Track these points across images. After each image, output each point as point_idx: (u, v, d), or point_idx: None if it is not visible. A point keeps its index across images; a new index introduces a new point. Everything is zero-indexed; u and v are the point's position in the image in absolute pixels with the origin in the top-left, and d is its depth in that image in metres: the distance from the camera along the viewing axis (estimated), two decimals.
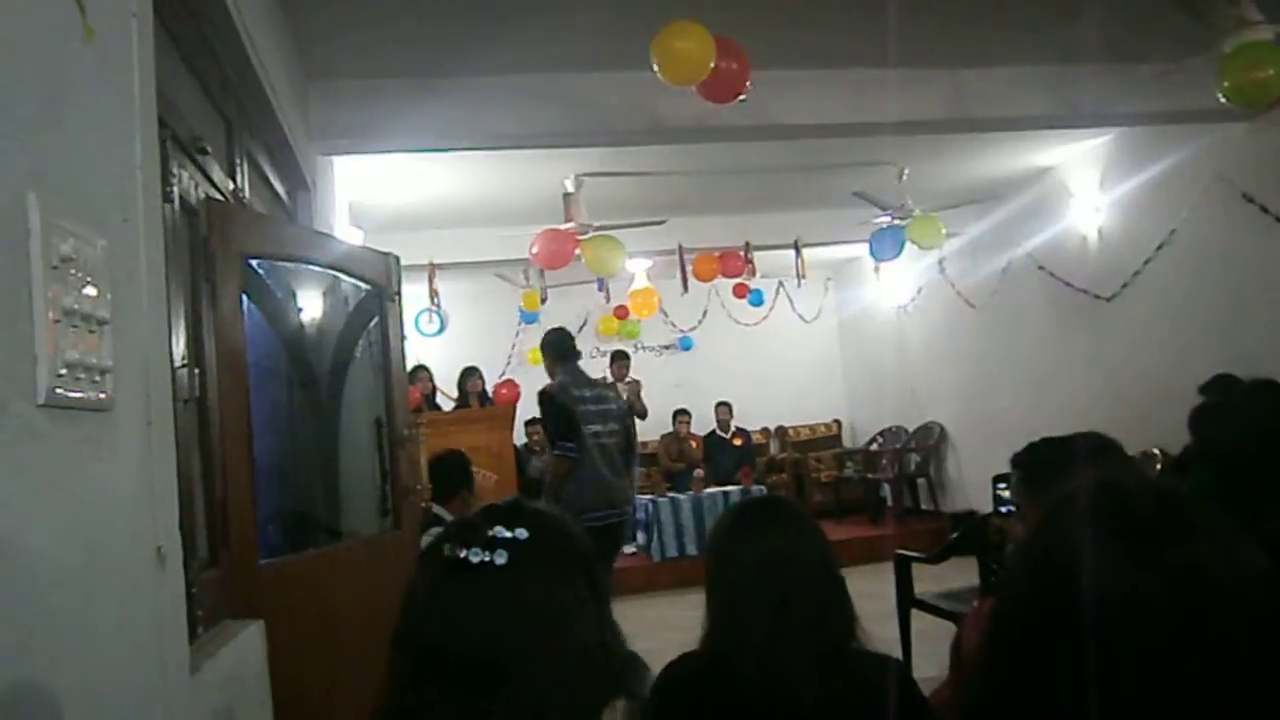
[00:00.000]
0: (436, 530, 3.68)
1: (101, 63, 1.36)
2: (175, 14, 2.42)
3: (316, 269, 3.50)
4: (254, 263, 2.99)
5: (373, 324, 3.84)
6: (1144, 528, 0.87)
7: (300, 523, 3.42)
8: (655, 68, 3.69)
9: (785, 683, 1.64)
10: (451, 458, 4.67)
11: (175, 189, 2.31)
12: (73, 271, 1.15)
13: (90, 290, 1.19)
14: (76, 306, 1.15)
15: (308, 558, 3.18)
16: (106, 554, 1.26)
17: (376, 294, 3.79)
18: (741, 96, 4.01)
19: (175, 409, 1.73)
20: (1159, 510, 0.89)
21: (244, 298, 2.82)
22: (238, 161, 3.21)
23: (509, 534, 1.03)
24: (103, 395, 1.23)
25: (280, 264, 3.24)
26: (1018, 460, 2.15)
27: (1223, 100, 4.05)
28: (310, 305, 3.57)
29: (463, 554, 1.02)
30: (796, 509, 1.92)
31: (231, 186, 3.04)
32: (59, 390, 1.11)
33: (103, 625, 1.23)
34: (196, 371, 2.45)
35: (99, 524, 1.25)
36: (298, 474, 3.47)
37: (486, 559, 1.01)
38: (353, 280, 3.71)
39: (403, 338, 3.93)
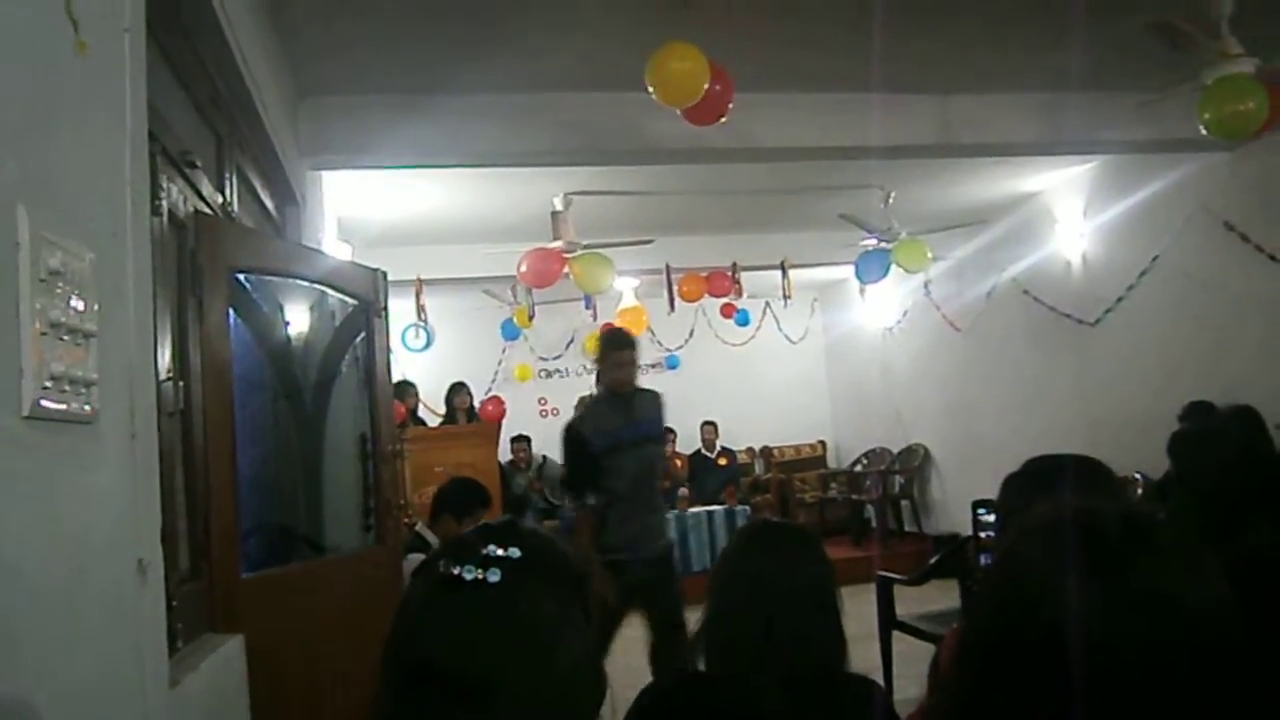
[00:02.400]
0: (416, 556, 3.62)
1: (93, 77, 1.37)
2: (168, 29, 2.43)
3: (304, 284, 3.51)
4: (241, 277, 3.00)
5: (359, 339, 3.84)
6: (1110, 552, 0.89)
7: (283, 536, 3.41)
8: (650, 89, 3.72)
9: (763, 701, 1.65)
10: (458, 482, 4.61)
11: (164, 203, 2.31)
12: (60, 284, 1.16)
13: (77, 303, 1.20)
14: (63, 319, 1.16)
15: (290, 571, 3.17)
16: (88, 566, 1.26)
17: (364, 309, 3.81)
18: (723, 119, 4.05)
19: (160, 422, 1.73)
20: (1125, 534, 0.90)
21: (230, 312, 2.82)
22: (227, 175, 3.22)
23: (502, 552, 1.04)
24: (87, 408, 1.23)
25: (267, 278, 3.25)
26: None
27: (1203, 132, 4.09)
28: (297, 320, 3.57)
29: (456, 570, 1.03)
30: (805, 535, 1.94)
31: (220, 200, 3.05)
32: (44, 402, 1.12)
33: (84, 637, 1.23)
34: (181, 384, 2.45)
35: (81, 536, 1.25)
36: (282, 488, 3.46)
37: (480, 576, 1.02)
38: (339, 295, 3.72)
39: (389, 352, 3.94)
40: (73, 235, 1.21)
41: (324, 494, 3.72)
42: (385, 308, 3.89)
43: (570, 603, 1.08)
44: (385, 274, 3.95)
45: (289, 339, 3.54)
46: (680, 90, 3.75)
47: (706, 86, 3.74)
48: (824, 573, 1.84)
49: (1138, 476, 5.93)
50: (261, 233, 3.78)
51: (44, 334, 1.12)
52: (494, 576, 1.02)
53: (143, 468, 1.47)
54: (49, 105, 1.22)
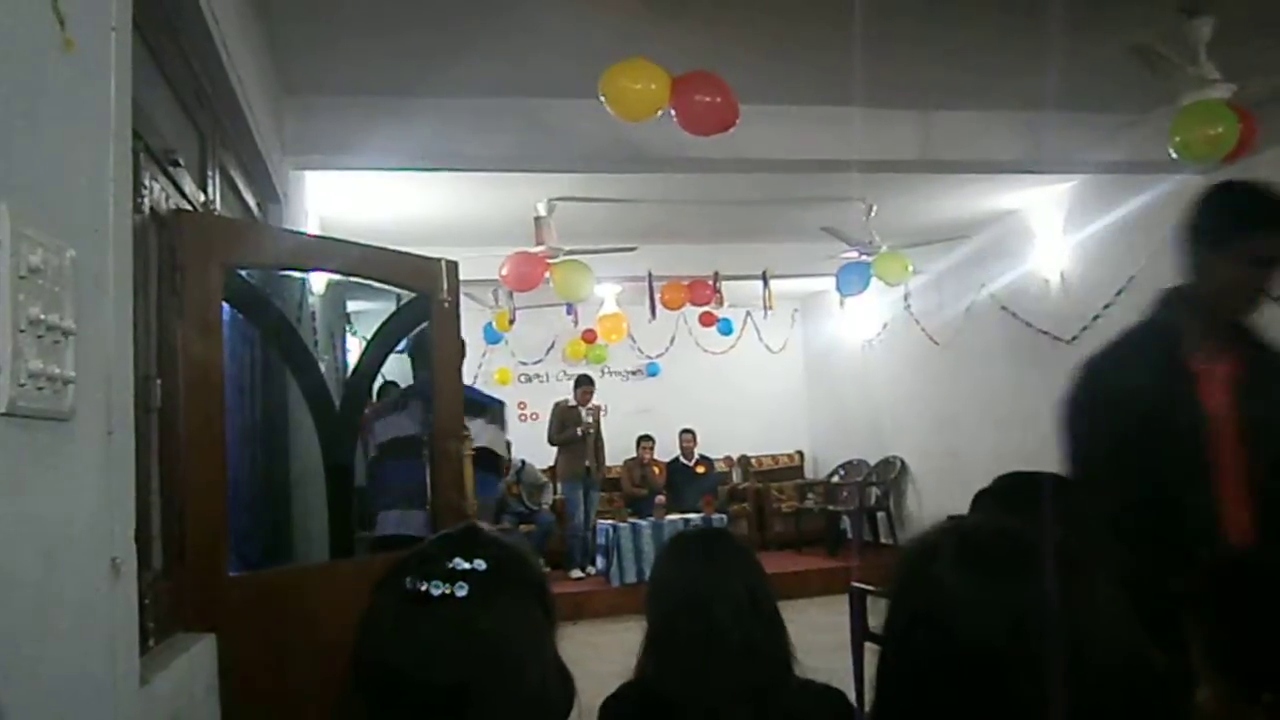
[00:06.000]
0: None
1: (78, 74, 1.37)
2: (154, 26, 2.42)
3: (339, 278, 3.47)
4: (250, 274, 2.99)
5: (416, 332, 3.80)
6: (994, 568, 0.95)
7: (296, 535, 3.35)
8: (602, 99, 3.70)
9: (716, 714, 1.66)
10: None
11: (147, 200, 2.31)
12: (40, 282, 1.15)
13: (56, 301, 1.20)
14: (42, 317, 1.15)
15: (285, 571, 3.08)
16: (61, 564, 1.26)
17: (423, 300, 3.74)
18: (730, 130, 3.97)
19: (139, 419, 1.73)
20: (1011, 551, 0.95)
21: (231, 309, 2.81)
22: (210, 173, 3.21)
23: (468, 565, 1.03)
24: (64, 405, 1.23)
25: (291, 274, 3.22)
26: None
27: (1173, 156, 4.13)
28: (317, 313, 3.53)
29: (424, 587, 1.02)
30: (731, 542, 1.93)
31: (203, 198, 3.04)
32: (20, 400, 1.11)
33: (55, 635, 1.23)
34: (159, 382, 2.44)
35: (55, 534, 1.25)
36: (300, 487, 3.40)
37: (448, 591, 1.02)
38: (389, 288, 3.70)
39: (461, 345, 3.77)
40: (54, 232, 1.21)
41: (358, 495, 3.66)
42: (455, 299, 3.73)
43: (535, 608, 1.08)
44: (455, 264, 3.74)
45: (301, 331, 3.50)
46: (634, 106, 3.72)
47: (668, 102, 3.69)
48: (759, 579, 1.83)
49: None
50: (260, 225, 3.73)
51: (22, 331, 1.11)
52: (461, 591, 1.01)
53: (118, 465, 1.46)
54: (33, 102, 1.22)
